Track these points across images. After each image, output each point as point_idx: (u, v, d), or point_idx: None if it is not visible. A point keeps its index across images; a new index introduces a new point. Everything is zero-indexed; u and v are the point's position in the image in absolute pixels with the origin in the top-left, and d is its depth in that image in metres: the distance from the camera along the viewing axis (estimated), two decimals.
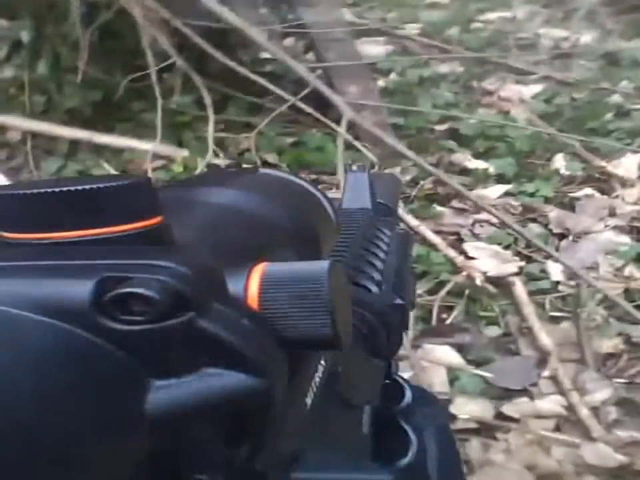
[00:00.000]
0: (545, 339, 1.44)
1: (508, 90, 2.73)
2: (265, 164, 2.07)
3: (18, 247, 0.27)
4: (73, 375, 0.23)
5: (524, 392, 1.34)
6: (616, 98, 2.68)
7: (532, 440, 1.21)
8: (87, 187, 0.27)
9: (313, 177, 2.01)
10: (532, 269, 1.68)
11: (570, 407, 1.29)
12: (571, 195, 2.04)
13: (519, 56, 3.05)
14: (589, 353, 1.43)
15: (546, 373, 1.38)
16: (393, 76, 2.70)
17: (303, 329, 0.27)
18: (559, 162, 2.20)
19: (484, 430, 1.25)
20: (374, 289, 0.50)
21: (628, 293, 1.62)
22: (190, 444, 0.25)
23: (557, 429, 1.26)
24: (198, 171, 1.87)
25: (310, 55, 2.54)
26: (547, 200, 2.00)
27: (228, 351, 0.25)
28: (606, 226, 1.90)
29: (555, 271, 1.66)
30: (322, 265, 0.28)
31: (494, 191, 2.04)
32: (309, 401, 0.32)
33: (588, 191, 2.06)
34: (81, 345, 0.24)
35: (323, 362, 0.34)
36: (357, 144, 1.98)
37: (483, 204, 1.78)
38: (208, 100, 2.01)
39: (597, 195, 2.05)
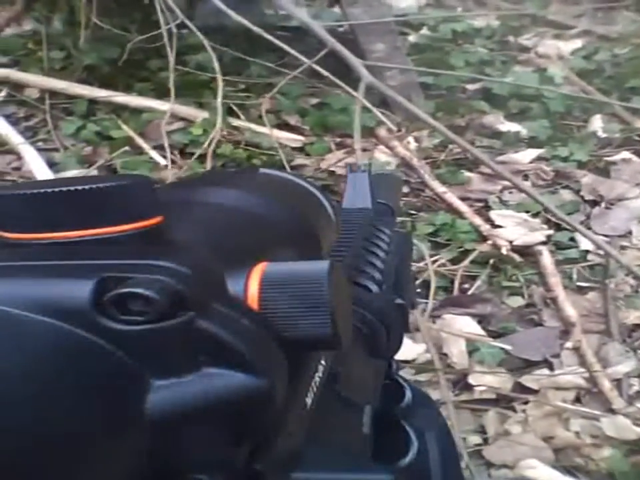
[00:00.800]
0: (570, 309, 1.47)
1: (546, 46, 2.72)
2: (287, 126, 2.08)
3: (18, 247, 0.28)
4: (73, 374, 0.24)
5: (544, 363, 1.37)
6: None
7: (550, 412, 1.25)
8: (87, 186, 0.27)
9: (337, 140, 2.05)
10: (560, 238, 1.70)
11: (591, 379, 1.33)
12: (607, 159, 2.03)
13: (561, 7, 3.04)
14: (615, 324, 1.46)
15: (569, 345, 1.41)
16: (424, 31, 2.70)
17: (302, 328, 0.28)
18: (597, 123, 2.19)
19: (502, 401, 1.28)
20: (374, 288, 0.51)
21: None
22: (190, 444, 0.26)
23: (577, 400, 1.30)
24: (215, 132, 1.89)
25: (337, 11, 2.54)
26: (581, 165, 1.99)
27: (228, 351, 0.26)
28: None
29: (585, 240, 1.69)
30: (322, 265, 0.29)
31: (525, 155, 2.05)
32: (309, 401, 0.33)
33: (625, 154, 2.05)
34: (81, 345, 0.25)
35: (323, 362, 0.35)
36: (375, 110, 1.96)
37: (504, 173, 1.79)
38: (215, 62, 2.00)
39: (635, 159, 2.05)
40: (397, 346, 0.49)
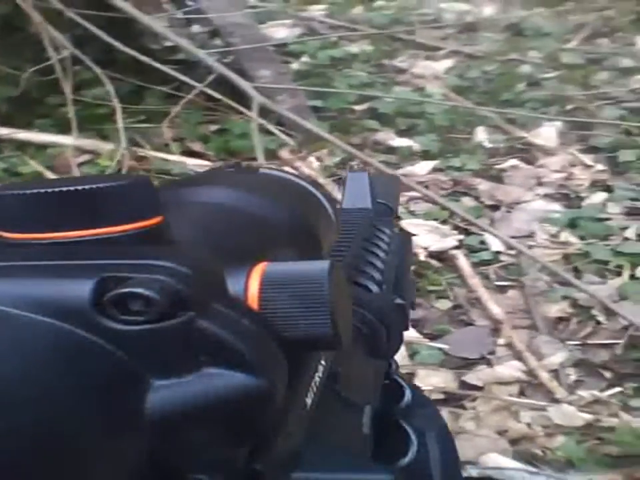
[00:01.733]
0: (495, 308, 1.49)
1: (420, 66, 2.79)
2: (192, 153, 2.07)
3: (18, 247, 0.28)
4: (72, 374, 0.24)
5: (483, 360, 1.39)
6: (526, 68, 2.78)
7: (499, 406, 1.26)
8: (87, 186, 0.27)
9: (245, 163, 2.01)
10: (471, 242, 1.73)
11: (529, 372, 1.35)
12: (497, 166, 2.11)
13: (426, 32, 3.13)
14: (539, 318, 1.49)
15: (501, 341, 1.43)
16: (304, 58, 2.72)
17: (303, 328, 0.28)
18: (481, 135, 2.27)
19: (451, 400, 1.28)
20: (374, 288, 0.51)
21: (567, 258, 1.69)
22: (190, 444, 0.26)
23: (521, 393, 1.31)
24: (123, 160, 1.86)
25: (218, 42, 2.53)
26: (475, 173, 2.06)
27: (228, 350, 0.25)
28: (535, 195, 1.97)
29: (494, 242, 1.72)
30: (322, 265, 0.29)
31: (422, 168, 2.09)
32: (308, 401, 0.33)
33: (513, 161, 2.13)
34: (80, 345, 0.24)
35: (323, 362, 0.35)
36: (272, 128, 2.00)
37: (410, 182, 1.83)
38: (111, 91, 2.00)
39: (522, 165, 2.12)
40: (397, 346, 0.49)
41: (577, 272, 1.64)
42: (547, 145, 2.21)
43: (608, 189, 1.98)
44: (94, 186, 0.27)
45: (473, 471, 0.40)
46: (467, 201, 1.93)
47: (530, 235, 1.79)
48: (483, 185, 1.99)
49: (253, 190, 0.40)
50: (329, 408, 0.36)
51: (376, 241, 0.58)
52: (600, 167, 2.09)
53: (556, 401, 1.28)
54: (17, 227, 0.28)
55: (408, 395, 0.49)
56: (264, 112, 2.04)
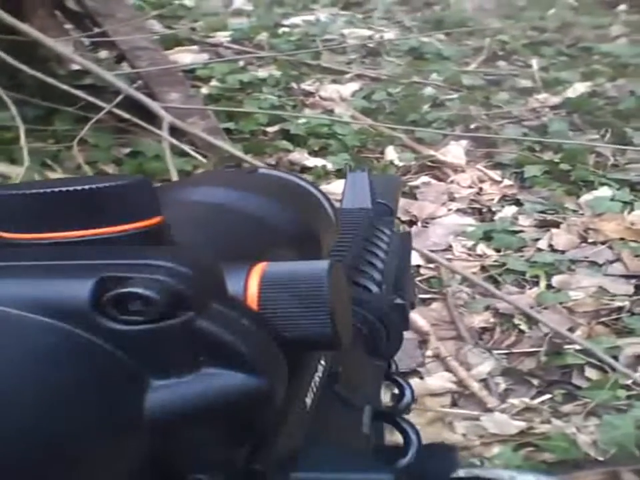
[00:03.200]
0: (420, 320, 1.48)
1: (327, 90, 2.78)
2: (106, 175, 1.99)
3: (18, 247, 0.27)
4: (72, 375, 0.23)
5: (413, 373, 1.36)
6: (429, 90, 2.81)
7: (433, 417, 1.23)
8: (87, 187, 0.27)
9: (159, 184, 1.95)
10: None
11: (460, 382, 1.33)
12: (410, 183, 2.11)
13: (331, 56, 3.13)
14: (464, 329, 1.48)
15: (429, 353, 1.40)
16: (214, 82, 2.67)
17: (302, 328, 0.27)
18: (391, 154, 2.27)
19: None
20: (374, 288, 0.50)
21: (484, 270, 1.69)
22: (189, 444, 0.25)
23: (454, 404, 1.29)
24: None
25: (126, 67, 2.47)
26: None
27: (227, 350, 0.25)
28: (449, 210, 1.97)
29: (414, 255, 1.70)
30: (322, 265, 0.28)
31: (337, 187, 2.06)
32: (309, 401, 0.32)
33: (424, 178, 2.15)
34: (80, 345, 0.24)
35: (322, 362, 0.34)
36: (186, 148, 1.96)
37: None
38: (15, 113, 1.93)
39: (434, 181, 2.14)
40: (397, 346, 0.48)
41: (496, 283, 1.64)
42: (456, 162, 2.23)
43: (517, 203, 2.01)
44: (94, 186, 0.27)
45: (460, 471, 0.37)
46: None
47: (447, 249, 1.78)
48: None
49: (253, 190, 0.39)
50: (328, 408, 0.35)
51: (376, 241, 0.57)
52: (508, 182, 2.13)
53: (488, 410, 1.27)
54: (17, 227, 0.27)
55: (408, 394, 0.47)
56: (176, 134, 2.02)
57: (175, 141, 1.95)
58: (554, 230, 1.84)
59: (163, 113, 2.04)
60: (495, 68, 3.09)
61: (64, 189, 0.27)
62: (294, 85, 2.81)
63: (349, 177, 0.65)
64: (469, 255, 1.76)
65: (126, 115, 2.04)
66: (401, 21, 3.74)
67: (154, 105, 2.07)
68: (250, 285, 0.28)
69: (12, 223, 0.28)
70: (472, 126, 2.51)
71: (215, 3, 3.81)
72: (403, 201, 1.99)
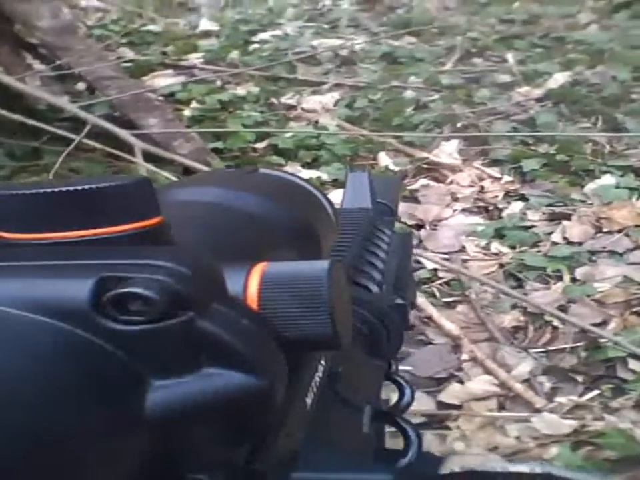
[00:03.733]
0: (449, 324, 1.42)
1: (308, 102, 2.72)
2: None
3: (18, 247, 0.27)
4: (72, 375, 0.23)
5: (452, 378, 1.30)
6: (409, 93, 2.76)
7: (483, 422, 1.17)
8: (87, 186, 0.27)
9: None
10: None
11: (502, 384, 1.27)
12: (409, 187, 2.05)
13: (306, 68, 3.08)
14: (495, 330, 1.42)
15: (465, 356, 1.35)
16: (194, 104, 2.61)
17: (302, 328, 0.27)
18: (385, 160, 2.22)
19: (432, 422, 1.20)
20: (374, 288, 0.50)
21: (503, 268, 1.64)
22: (190, 444, 0.25)
23: (501, 407, 1.23)
24: None
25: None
26: None
27: (227, 350, 0.25)
28: (454, 210, 1.92)
29: (429, 260, 1.65)
30: (322, 265, 0.28)
31: (336, 196, 2.00)
32: (308, 401, 0.32)
33: (423, 181, 2.09)
34: (80, 345, 0.24)
35: (322, 362, 0.35)
36: (164, 173, 1.91)
37: None
38: None
39: (433, 183, 2.08)
40: (397, 346, 0.48)
41: (518, 280, 1.58)
42: (451, 162, 2.17)
43: (522, 198, 1.95)
44: (94, 186, 0.27)
45: (454, 466, 0.36)
46: None
47: (461, 250, 1.72)
48: (400, 206, 1.91)
49: (253, 190, 0.39)
50: (329, 408, 0.35)
51: (376, 241, 0.57)
52: (508, 177, 2.08)
53: (537, 410, 1.21)
54: (17, 227, 0.27)
55: (408, 394, 0.47)
56: (161, 160, 1.99)
57: (151, 167, 1.91)
58: (565, 222, 1.79)
59: (133, 140, 2.01)
60: (471, 65, 3.05)
61: (64, 189, 0.27)
62: (274, 99, 2.74)
63: (349, 177, 0.64)
64: (484, 254, 1.70)
65: (98, 146, 2.02)
66: (367, 27, 3.71)
67: (123, 133, 2.04)
68: (250, 285, 0.27)
69: (12, 222, 0.27)
70: (459, 125, 2.46)
71: (181, 26, 3.75)
72: (405, 205, 1.93)
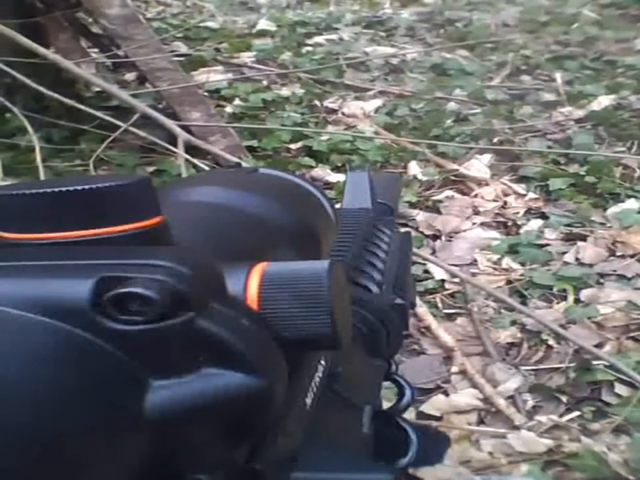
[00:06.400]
0: (445, 335, 1.43)
1: (350, 107, 2.74)
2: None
3: (18, 247, 0.27)
4: (72, 374, 0.23)
5: (438, 389, 1.31)
6: (452, 105, 2.75)
7: (459, 435, 1.17)
8: (87, 186, 0.27)
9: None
10: (415, 270, 1.66)
11: (486, 399, 1.27)
12: (433, 198, 2.06)
13: (354, 74, 3.09)
14: (490, 345, 1.42)
15: (454, 369, 1.35)
16: (237, 101, 2.64)
17: (302, 328, 0.27)
18: (415, 169, 2.22)
19: None
20: (374, 288, 0.50)
21: (510, 284, 1.62)
22: (190, 444, 0.25)
23: (480, 421, 1.23)
24: None
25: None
26: (412, 205, 2.02)
27: (227, 350, 0.25)
28: (473, 224, 1.91)
29: (438, 271, 1.65)
30: (322, 265, 0.28)
31: None
32: (308, 401, 0.32)
33: (448, 193, 2.10)
34: (80, 345, 0.24)
35: (322, 362, 0.34)
36: (203, 164, 1.95)
37: None
38: (31, 132, 1.94)
39: (458, 195, 2.08)
40: (397, 346, 0.48)
41: (523, 297, 1.57)
42: (480, 175, 2.17)
43: (543, 216, 1.94)
44: (94, 186, 0.27)
45: (426, 477, 0.37)
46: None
47: (472, 263, 1.72)
48: (420, 216, 1.93)
49: (253, 190, 0.39)
50: (329, 408, 0.35)
51: (376, 241, 0.56)
52: (532, 195, 2.07)
53: (515, 427, 1.22)
54: (17, 227, 0.27)
55: (408, 394, 0.47)
56: (201, 152, 2.02)
57: (190, 158, 1.95)
58: (581, 243, 1.79)
59: (179, 131, 2.05)
60: (519, 82, 3.04)
61: (64, 189, 0.26)
62: (317, 102, 2.78)
63: (349, 177, 0.64)
64: (494, 269, 1.70)
65: (142, 134, 2.05)
66: (423, 37, 3.70)
67: (169, 123, 2.09)
68: (250, 284, 0.27)
69: (12, 222, 0.27)
70: (495, 140, 2.45)
71: (239, 24, 3.79)
72: (426, 215, 1.94)
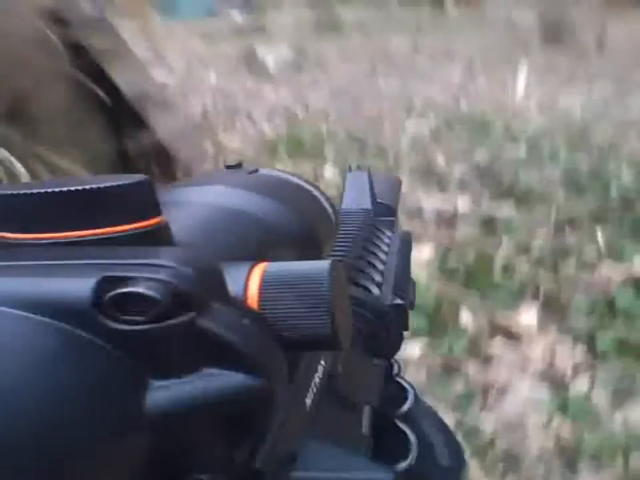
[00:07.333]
0: None
1: None
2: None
3: (18, 247, 0.27)
4: (72, 375, 0.23)
5: None
6: (500, 256, 2.79)
7: None
8: (87, 186, 0.26)
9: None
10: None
11: None
12: (484, 349, 2.07)
13: (408, 224, 3.16)
14: None
15: None
16: None
17: (302, 329, 0.27)
18: (466, 316, 2.24)
19: None
20: (374, 289, 0.49)
21: (560, 444, 1.62)
22: (190, 444, 0.25)
23: None
24: None
25: None
26: (463, 355, 2.02)
27: (228, 350, 0.25)
28: (523, 379, 1.92)
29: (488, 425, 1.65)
30: (322, 265, 0.28)
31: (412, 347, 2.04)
32: (308, 401, 0.32)
33: (497, 343, 2.10)
34: (81, 345, 0.23)
35: (322, 362, 0.34)
36: None
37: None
38: None
39: (506, 346, 2.09)
40: (397, 346, 0.47)
41: (572, 463, 1.55)
42: (528, 328, 2.18)
43: (591, 375, 1.92)
44: (94, 186, 0.26)
45: None
46: (457, 384, 1.86)
47: (522, 421, 1.71)
48: (471, 366, 1.94)
49: (253, 189, 0.38)
50: (329, 408, 0.35)
51: (376, 242, 0.56)
52: (580, 350, 2.05)
53: None
54: (17, 227, 0.27)
55: (410, 397, 0.46)
56: None
57: None
58: (629, 406, 1.77)
59: None
60: (563, 237, 3.07)
61: (64, 189, 0.26)
62: None
63: (349, 177, 0.63)
64: (544, 427, 1.69)
65: None
66: (474, 190, 3.78)
67: None
68: (250, 285, 0.27)
69: (12, 223, 0.27)
70: (541, 292, 2.48)
71: None
72: (477, 365, 1.94)
